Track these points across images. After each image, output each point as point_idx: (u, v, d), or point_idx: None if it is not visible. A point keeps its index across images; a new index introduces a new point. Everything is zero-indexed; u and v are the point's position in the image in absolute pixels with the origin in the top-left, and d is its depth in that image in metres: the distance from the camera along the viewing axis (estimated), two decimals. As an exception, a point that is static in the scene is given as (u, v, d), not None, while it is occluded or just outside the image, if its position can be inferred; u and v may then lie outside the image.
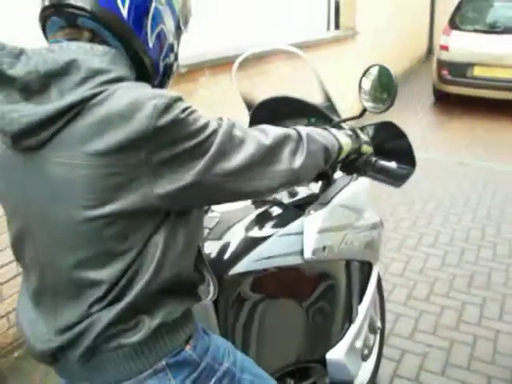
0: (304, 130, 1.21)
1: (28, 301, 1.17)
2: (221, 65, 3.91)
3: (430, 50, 12.28)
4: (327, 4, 6.84)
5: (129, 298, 1.02)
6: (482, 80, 7.30)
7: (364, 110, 1.56)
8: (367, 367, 2.27)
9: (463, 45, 7.51)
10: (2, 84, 0.96)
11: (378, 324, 2.29)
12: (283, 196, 1.68)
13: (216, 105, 3.21)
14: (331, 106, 1.70)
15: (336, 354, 1.69)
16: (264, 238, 1.46)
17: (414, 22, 11.07)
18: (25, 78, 0.94)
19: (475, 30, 7.59)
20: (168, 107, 0.95)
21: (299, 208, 1.63)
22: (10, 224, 1.13)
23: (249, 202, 1.62)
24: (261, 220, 1.54)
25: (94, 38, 1.04)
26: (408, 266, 3.57)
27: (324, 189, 1.69)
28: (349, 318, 1.80)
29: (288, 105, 1.75)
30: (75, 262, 1.01)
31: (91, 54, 0.98)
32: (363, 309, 1.86)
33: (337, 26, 7.05)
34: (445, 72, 7.58)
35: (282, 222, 1.54)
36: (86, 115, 0.93)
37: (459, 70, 7.39)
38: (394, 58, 8.37)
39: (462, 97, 7.77)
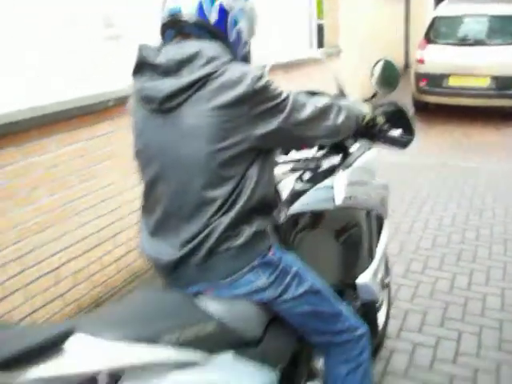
0: (342, 101, 1.71)
1: (148, 234, 1.61)
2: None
3: (406, 65, 12.91)
4: (309, 26, 7.41)
5: (234, 211, 1.47)
6: (456, 89, 7.93)
7: (375, 93, 2.04)
8: (379, 319, 2.71)
9: (438, 57, 8.15)
10: (148, 69, 1.47)
11: (386, 280, 2.75)
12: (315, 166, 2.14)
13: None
14: (345, 97, 2.18)
15: (363, 278, 2.14)
16: (305, 191, 1.92)
17: (392, 39, 11.74)
18: (166, 64, 1.44)
19: (448, 44, 8.23)
20: (260, 77, 1.44)
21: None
22: (144, 174, 1.59)
23: (289, 167, 2.07)
24: (301, 179, 2.00)
25: (198, 38, 1.51)
26: (404, 246, 4.06)
27: (344, 159, 2.16)
28: (370, 255, 2.25)
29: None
30: (200, 185, 1.46)
31: (208, 47, 1.45)
32: (380, 249, 2.33)
33: (320, 45, 7.61)
34: (422, 83, 8.17)
35: (317, 180, 2.00)
36: (209, 84, 1.41)
37: (435, 80, 8.00)
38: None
39: (439, 105, 8.39)
